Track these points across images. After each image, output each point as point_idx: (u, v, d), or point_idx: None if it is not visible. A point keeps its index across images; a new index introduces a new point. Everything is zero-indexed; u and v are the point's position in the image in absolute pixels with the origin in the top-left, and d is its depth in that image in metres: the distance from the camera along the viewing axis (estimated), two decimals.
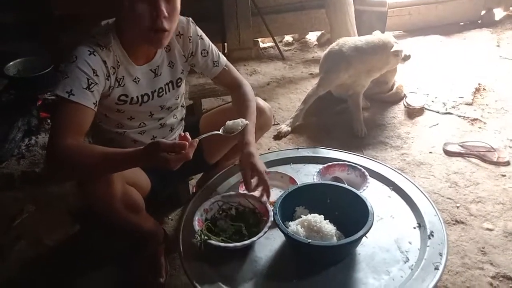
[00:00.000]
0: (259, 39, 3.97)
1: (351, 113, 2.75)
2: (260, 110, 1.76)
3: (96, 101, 1.37)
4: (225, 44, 3.77)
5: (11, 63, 2.99)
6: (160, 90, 1.60)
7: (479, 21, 4.12)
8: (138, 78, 1.51)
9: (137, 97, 1.53)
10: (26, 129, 2.75)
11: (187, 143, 1.21)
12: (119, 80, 1.46)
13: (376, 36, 2.70)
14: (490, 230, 1.94)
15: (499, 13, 4.21)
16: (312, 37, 4.16)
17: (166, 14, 1.33)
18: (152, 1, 1.31)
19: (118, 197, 1.45)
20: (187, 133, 1.24)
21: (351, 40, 2.73)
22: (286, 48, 4.03)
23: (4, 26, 3.24)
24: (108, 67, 1.40)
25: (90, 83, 1.34)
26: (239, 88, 1.72)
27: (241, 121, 1.49)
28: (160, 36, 1.38)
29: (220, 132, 1.45)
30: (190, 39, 1.59)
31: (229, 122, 1.47)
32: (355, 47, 2.64)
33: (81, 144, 1.31)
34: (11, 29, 3.27)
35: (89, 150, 1.29)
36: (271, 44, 4.02)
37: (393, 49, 2.56)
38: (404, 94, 2.98)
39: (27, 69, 3.02)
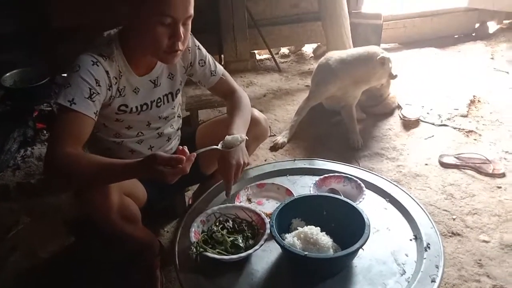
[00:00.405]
0: (256, 51, 3.99)
1: (346, 125, 2.77)
2: (255, 121, 1.77)
3: (97, 111, 1.38)
4: (222, 56, 3.79)
5: (7, 74, 2.99)
6: (159, 101, 1.61)
7: (473, 34, 4.17)
8: (138, 88, 1.53)
9: (136, 107, 1.55)
10: (22, 140, 2.74)
11: (184, 157, 1.22)
12: (120, 90, 1.48)
13: (362, 48, 2.72)
14: (487, 242, 1.94)
15: (493, 26, 4.26)
16: (308, 49, 4.19)
17: (183, 37, 1.37)
18: (173, 26, 1.34)
19: (115, 208, 1.45)
20: (185, 146, 1.25)
21: (338, 53, 2.78)
22: (282, 60, 4.05)
23: (1, 37, 3.24)
24: (110, 77, 1.41)
25: (92, 93, 1.35)
26: (232, 94, 1.76)
27: (240, 136, 1.50)
28: (175, 56, 1.42)
29: (219, 147, 1.46)
30: (189, 50, 1.62)
31: (228, 137, 1.48)
32: (341, 60, 2.68)
33: (80, 153, 1.31)
34: (8, 39, 3.27)
35: (87, 160, 1.29)
36: (267, 56, 4.04)
37: (379, 56, 2.57)
38: (398, 105, 3.00)
39: (24, 80, 3.02)
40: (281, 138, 2.74)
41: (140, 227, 1.66)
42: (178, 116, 1.80)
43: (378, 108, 2.98)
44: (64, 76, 1.40)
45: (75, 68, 1.36)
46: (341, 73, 2.66)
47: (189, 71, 1.68)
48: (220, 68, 1.74)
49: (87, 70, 1.36)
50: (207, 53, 1.70)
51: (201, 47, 1.67)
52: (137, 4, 1.33)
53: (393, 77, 2.69)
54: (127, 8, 1.35)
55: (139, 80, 1.52)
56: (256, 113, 1.82)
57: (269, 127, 1.96)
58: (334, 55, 2.75)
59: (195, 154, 1.27)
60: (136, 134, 1.64)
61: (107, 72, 1.40)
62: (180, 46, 1.39)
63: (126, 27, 1.45)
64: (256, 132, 1.79)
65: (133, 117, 1.57)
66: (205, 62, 1.68)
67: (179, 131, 1.86)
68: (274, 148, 2.70)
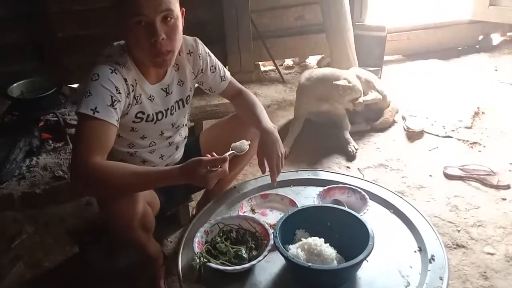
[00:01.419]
0: (260, 63, 4.01)
1: (339, 137, 2.79)
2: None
3: (118, 118, 1.39)
4: (227, 67, 3.82)
5: (14, 84, 3.01)
6: (172, 108, 1.62)
7: (477, 46, 4.17)
8: (152, 96, 1.54)
9: (152, 114, 1.56)
10: (28, 150, 2.76)
11: (227, 156, 1.31)
12: (136, 97, 1.48)
13: (332, 69, 2.90)
14: (492, 254, 1.92)
15: (496, 38, 4.26)
16: (312, 61, 4.20)
17: (164, 36, 1.36)
18: (148, 25, 1.34)
19: (139, 216, 1.46)
20: (213, 153, 1.32)
21: (312, 71, 2.92)
22: (286, 72, 4.07)
23: (8, 48, 3.28)
24: (128, 85, 1.42)
25: (113, 100, 1.35)
26: (241, 95, 1.80)
27: (245, 141, 1.53)
28: (163, 58, 1.40)
29: (230, 153, 1.45)
30: (200, 57, 1.63)
31: (236, 143, 1.50)
32: (309, 77, 2.85)
33: (110, 163, 1.32)
34: (15, 50, 3.31)
35: (121, 170, 1.30)
36: (271, 67, 4.06)
37: (334, 82, 2.70)
38: (394, 120, 3.00)
39: (30, 90, 3.04)
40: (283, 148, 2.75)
41: (151, 237, 1.66)
42: (185, 125, 1.81)
43: (377, 123, 2.97)
44: (80, 86, 1.41)
45: (94, 77, 1.36)
46: (306, 89, 2.85)
47: (200, 77, 1.68)
48: (228, 73, 1.77)
49: (107, 78, 1.36)
50: (217, 59, 1.72)
51: (211, 53, 1.69)
52: (116, 10, 1.36)
53: (358, 105, 2.76)
54: (113, 16, 1.37)
55: (152, 88, 1.53)
56: None
57: None
58: (306, 73, 2.92)
59: (227, 155, 1.35)
60: (149, 143, 1.65)
61: (125, 79, 1.41)
62: (165, 46, 1.38)
63: (119, 35, 1.47)
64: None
65: (149, 126, 1.58)
66: (215, 68, 1.70)
67: (186, 139, 1.87)
68: None
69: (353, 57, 3.33)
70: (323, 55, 4.04)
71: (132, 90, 1.45)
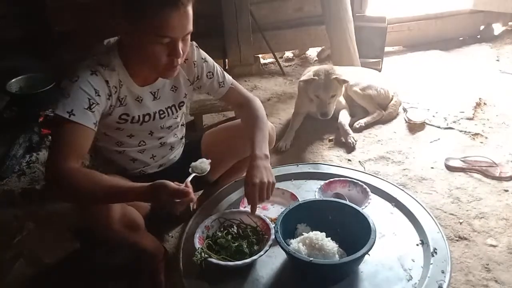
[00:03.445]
0: (260, 55, 3.99)
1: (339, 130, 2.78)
2: None
3: (97, 121, 1.37)
4: (226, 60, 3.80)
5: (13, 80, 3.01)
6: (162, 112, 1.60)
7: (478, 36, 4.14)
8: (141, 97, 1.52)
9: (138, 116, 1.53)
10: (27, 146, 2.75)
11: (190, 190, 1.26)
12: (121, 99, 1.46)
13: (323, 66, 2.92)
14: (494, 246, 1.92)
15: (498, 28, 4.23)
16: (313, 53, 4.18)
17: (182, 53, 1.36)
18: (171, 45, 1.33)
19: (117, 219, 1.44)
20: (177, 183, 1.29)
21: (310, 70, 2.92)
22: (286, 64, 4.05)
23: (7, 43, 3.26)
24: (110, 87, 1.40)
25: (91, 103, 1.34)
26: (247, 104, 1.72)
27: (205, 159, 1.51)
28: (174, 71, 1.42)
29: (190, 171, 1.45)
30: (195, 64, 1.60)
31: (195, 163, 1.48)
32: (305, 77, 2.82)
33: (83, 170, 1.31)
34: (13, 46, 3.30)
35: (92, 179, 1.29)
36: (271, 60, 4.04)
37: (300, 79, 2.83)
38: (399, 112, 2.99)
39: (29, 86, 3.03)
40: (283, 142, 2.74)
41: (144, 234, 1.65)
42: (182, 125, 1.79)
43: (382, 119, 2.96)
44: (63, 85, 1.38)
45: (74, 78, 1.34)
46: (302, 91, 2.88)
47: (197, 84, 1.65)
48: (229, 78, 1.71)
49: (86, 80, 1.34)
50: (216, 64, 1.67)
51: (207, 59, 1.64)
52: (134, 21, 1.29)
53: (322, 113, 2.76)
54: (126, 22, 1.32)
55: (140, 90, 1.51)
56: None
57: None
58: (306, 72, 2.92)
59: (189, 185, 1.31)
60: (138, 143, 1.63)
61: (106, 81, 1.39)
62: (179, 61, 1.38)
63: (127, 48, 1.43)
64: None
65: (135, 127, 1.56)
66: (213, 74, 1.65)
67: (183, 139, 1.85)
68: (278, 151, 2.69)
69: (354, 48, 3.31)
70: (323, 47, 4.02)
71: (115, 92, 1.43)
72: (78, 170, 1.28)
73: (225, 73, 1.71)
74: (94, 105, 1.34)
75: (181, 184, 1.29)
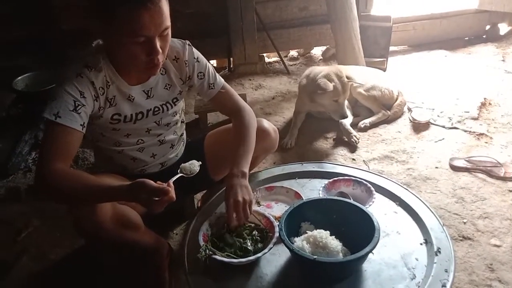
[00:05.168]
0: (265, 54, 3.99)
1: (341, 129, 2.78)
2: (265, 133, 1.77)
3: (84, 123, 1.38)
4: (231, 59, 3.80)
5: (19, 77, 3.02)
6: (156, 109, 1.59)
7: (484, 36, 4.13)
8: (132, 96, 1.51)
9: (131, 115, 1.53)
10: (33, 143, 2.77)
11: (170, 189, 1.24)
12: (110, 100, 1.46)
13: (322, 67, 2.90)
14: (498, 246, 1.91)
15: (503, 28, 4.21)
16: (317, 51, 4.18)
17: (160, 51, 1.34)
18: (148, 43, 1.31)
19: (108, 218, 1.43)
20: (159, 182, 1.27)
21: (310, 69, 2.90)
22: (291, 63, 4.05)
23: (12, 41, 3.28)
24: (96, 88, 1.40)
25: (77, 105, 1.35)
26: (236, 114, 1.70)
27: (196, 161, 1.50)
28: (156, 69, 1.41)
29: (179, 172, 1.44)
30: (186, 63, 1.59)
31: (185, 164, 1.48)
32: (305, 77, 2.86)
33: (69, 171, 1.33)
34: (19, 44, 3.31)
35: (75, 179, 1.30)
36: (276, 58, 4.04)
37: (300, 82, 2.83)
38: (404, 111, 2.99)
39: (35, 83, 3.04)
40: (288, 139, 2.76)
41: (142, 232, 1.63)
42: (182, 122, 1.78)
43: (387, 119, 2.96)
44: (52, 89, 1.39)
45: (60, 81, 1.37)
46: (302, 91, 2.88)
47: (188, 83, 1.64)
48: (220, 81, 1.69)
49: (72, 82, 1.36)
50: (209, 65, 1.66)
51: (200, 58, 1.62)
52: (106, 23, 1.28)
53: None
54: (100, 24, 1.30)
55: (132, 89, 1.50)
56: (266, 124, 1.80)
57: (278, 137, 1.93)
58: (307, 71, 2.91)
59: (171, 184, 1.29)
60: (136, 141, 1.62)
61: (92, 83, 1.39)
62: (160, 59, 1.37)
63: (109, 47, 1.42)
64: (265, 144, 1.79)
65: (129, 125, 1.56)
66: (204, 75, 1.63)
67: (184, 136, 1.84)
68: (282, 148, 2.70)
69: (359, 48, 3.31)
70: (328, 46, 4.02)
71: (103, 93, 1.43)
72: (63, 170, 1.29)
73: (218, 76, 1.69)
74: (80, 106, 1.35)
75: (163, 183, 1.28)
